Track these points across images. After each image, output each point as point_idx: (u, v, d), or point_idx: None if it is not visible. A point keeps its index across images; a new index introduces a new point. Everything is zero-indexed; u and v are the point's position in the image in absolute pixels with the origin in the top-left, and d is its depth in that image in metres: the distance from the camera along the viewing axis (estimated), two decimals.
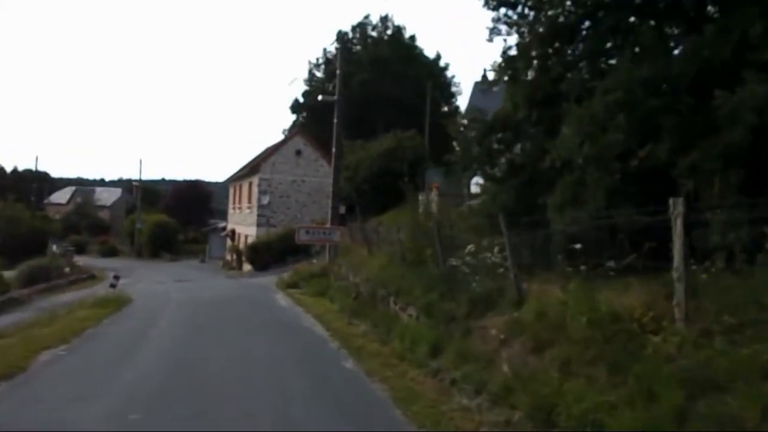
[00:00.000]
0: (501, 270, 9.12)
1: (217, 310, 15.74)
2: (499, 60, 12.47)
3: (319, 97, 28.90)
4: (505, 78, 12.53)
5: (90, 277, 30.72)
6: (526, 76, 11.99)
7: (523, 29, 12.15)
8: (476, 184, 40.57)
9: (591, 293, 6.67)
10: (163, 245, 53.40)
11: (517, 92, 11.79)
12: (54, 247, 42.36)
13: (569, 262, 7.78)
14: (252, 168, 37.79)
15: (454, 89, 67.18)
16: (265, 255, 32.89)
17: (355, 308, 14.27)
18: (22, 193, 60.19)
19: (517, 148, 12.64)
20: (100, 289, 19.96)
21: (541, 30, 11.50)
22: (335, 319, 13.93)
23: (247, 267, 36.16)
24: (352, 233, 23.50)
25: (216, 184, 73.90)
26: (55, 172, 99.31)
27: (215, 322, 13.43)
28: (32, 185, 62.06)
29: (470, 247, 10.48)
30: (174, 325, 13.12)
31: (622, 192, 8.27)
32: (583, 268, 7.34)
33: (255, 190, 37.68)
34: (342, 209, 27.09)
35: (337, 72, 25.72)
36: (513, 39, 12.36)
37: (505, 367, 6.94)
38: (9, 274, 28.96)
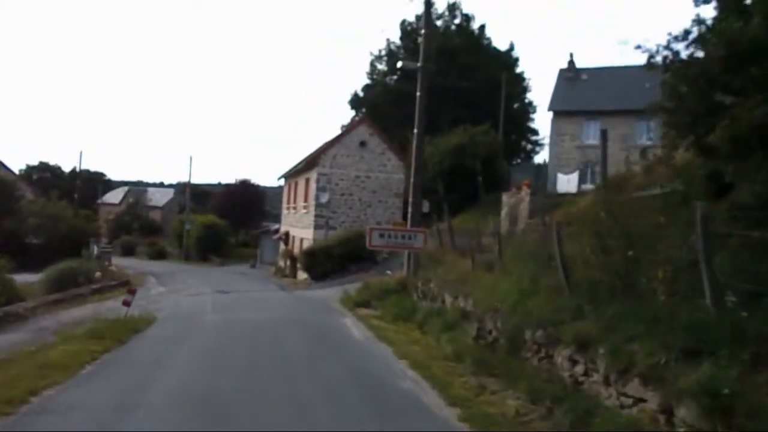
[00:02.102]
0: None
1: (263, 347, 10.49)
2: None
3: (399, 64, 23.65)
4: None
5: (123, 283, 26.30)
6: None
7: None
8: (567, 181, 34.58)
9: None
10: (212, 248, 49.40)
11: None
12: (94, 249, 38.79)
13: None
14: (309, 162, 32.89)
15: (524, 84, 61.33)
16: (324, 262, 27.79)
17: (481, 356, 8.84)
18: (73, 193, 57.59)
19: None
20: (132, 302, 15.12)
21: None
22: (448, 374, 8.55)
23: (302, 275, 31.21)
24: (441, 238, 18.12)
25: (270, 188, 70.10)
26: (116, 175, 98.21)
27: (256, 379, 8.14)
28: (79, 184, 59.11)
29: None
30: (186, 387, 7.75)
31: None
32: None
33: (312, 186, 32.74)
34: (426, 207, 21.67)
35: (422, 33, 20.34)
36: None
37: None
38: (35, 278, 24.96)
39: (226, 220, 52.64)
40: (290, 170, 38.34)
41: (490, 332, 9.30)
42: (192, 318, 14.61)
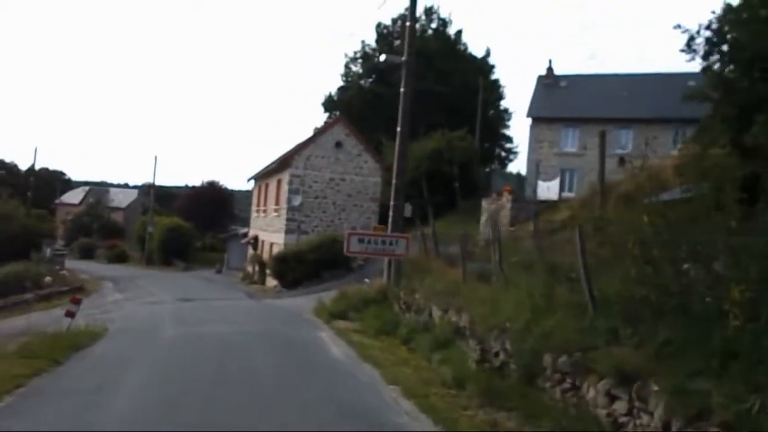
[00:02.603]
0: None
1: (229, 371, 8.88)
2: None
3: (382, 57, 22.26)
4: None
5: (75, 289, 24.31)
6: None
7: None
8: (548, 188, 33.64)
9: None
10: (176, 252, 47.18)
11: None
12: (47, 251, 36.45)
13: None
14: (282, 162, 31.25)
15: (500, 91, 60.71)
16: (296, 268, 26.19)
17: (488, 384, 7.46)
18: (28, 192, 54.64)
19: None
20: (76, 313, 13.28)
21: None
22: (451, 407, 7.16)
23: (271, 282, 29.54)
24: (426, 244, 16.77)
25: (239, 192, 68.02)
26: (78, 175, 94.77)
27: (220, 417, 6.60)
28: (33, 181, 56.31)
29: None
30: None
31: None
32: None
33: (284, 188, 31.11)
34: (408, 211, 20.28)
35: (407, 25, 19.05)
36: None
37: None
38: None
39: (192, 223, 50.48)
40: (261, 171, 36.63)
41: (496, 354, 7.94)
42: (148, 331, 12.93)
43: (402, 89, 17.90)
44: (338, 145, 31.32)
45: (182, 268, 45.11)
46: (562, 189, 36.35)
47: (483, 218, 29.84)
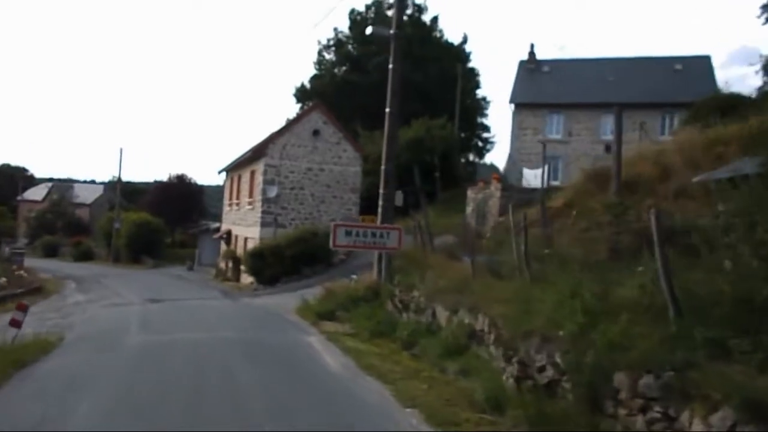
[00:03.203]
0: None
1: (206, 393, 7.25)
2: None
3: (368, 30, 20.59)
4: None
5: (33, 290, 22.25)
6: None
7: None
8: (535, 176, 32.40)
9: None
10: (144, 248, 44.89)
11: None
12: (6, 249, 34.18)
13: None
14: (256, 152, 29.38)
15: (477, 79, 59.49)
16: (274, 264, 24.46)
17: (534, 408, 5.96)
18: None
19: None
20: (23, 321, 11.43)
21: None
22: None
23: (247, 279, 27.77)
24: (421, 236, 15.24)
25: (209, 187, 65.62)
26: (42, 172, 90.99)
27: None
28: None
29: None
30: None
31: None
32: None
33: (259, 179, 29.27)
34: (400, 199, 18.73)
35: None
36: None
37: None
38: None
39: (161, 218, 48.18)
40: (233, 162, 34.66)
41: (541, 369, 6.44)
42: (110, 340, 11.17)
43: (391, 65, 16.37)
44: (315, 133, 29.59)
45: (151, 265, 42.94)
46: (548, 177, 35.08)
47: (469, 208, 28.46)
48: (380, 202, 16.13)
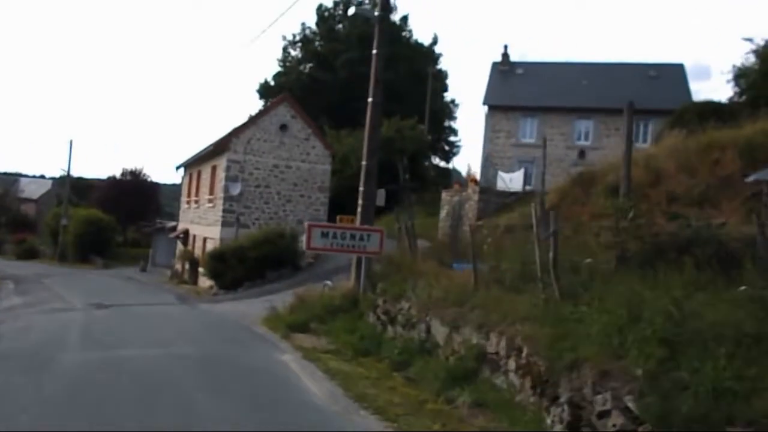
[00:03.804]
0: None
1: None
2: None
3: (351, 11, 18.97)
4: None
5: None
6: None
7: None
8: (510, 180, 31.31)
9: None
10: (94, 247, 42.16)
11: None
12: None
13: None
14: (218, 146, 27.41)
15: (446, 81, 58.59)
16: (236, 267, 22.57)
17: None
18: None
19: None
20: None
21: None
22: None
23: (205, 282, 25.78)
24: (408, 239, 13.69)
25: (165, 186, 62.80)
26: None
27: None
28: None
29: None
30: None
31: None
32: None
33: (221, 176, 27.31)
34: (382, 198, 17.18)
35: None
36: None
37: None
38: None
39: (113, 216, 45.43)
40: (192, 157, 32.51)
41: (603, 414, 4.97)
42: (41, 358, 9.24)
43: (374, 50, 14.83)
44: (283, 127, 27.79)
45: (101, 265, 40.30)
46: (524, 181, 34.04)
47: (443, 212, 27.16)
48: (360, 201, 14.54)
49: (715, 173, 15.06)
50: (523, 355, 6.72)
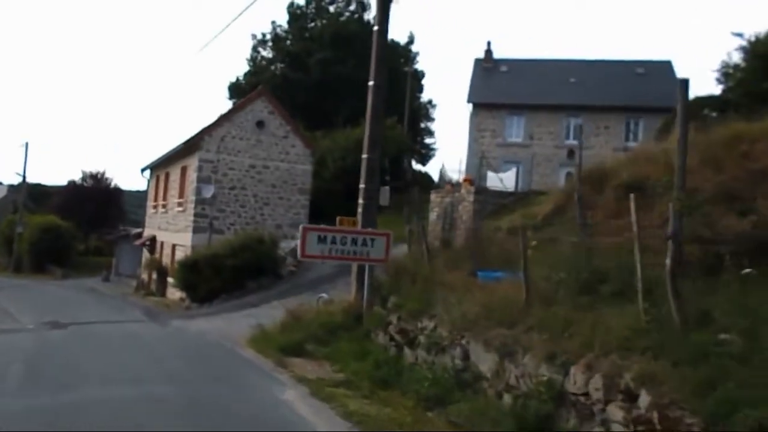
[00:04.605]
0: None
1: None
2: None
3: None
4: None
5: None
6: None
7: None
8: (501, 180, 29.67)
9: None
10: (52, 256, 39.24)
11: None
12: None
13: None
14: (189, 145, 25.12)
15: (421, 82, 57.01)
16: (212, 278, 20.32)
17: None
18: None
19: None
20: None
21: None
22: None
23: (175, 294, 23.46)
24: (426, 243, 11.75)
25: (129, 192, 59.64)
26: None
27: None
28: None
29: None
30: None
31: None
32: None
33: (192, 177, 25.01)
34: (386, 197, 15.20)
35: None
36: None
37: None
38: None
39: (73, 223, 42.47)
40: (160, 158, 30.05)
41: None
42: None
43: (375, 27, 12.95)
44: (260, 124, 25.64)
45: (60, 275, 37.44)
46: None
47: (433, 214, 25.34)
48: (360, 200, 12.57)
49: (745, 167, 13.72)
50: (643, 403, 4.86)
